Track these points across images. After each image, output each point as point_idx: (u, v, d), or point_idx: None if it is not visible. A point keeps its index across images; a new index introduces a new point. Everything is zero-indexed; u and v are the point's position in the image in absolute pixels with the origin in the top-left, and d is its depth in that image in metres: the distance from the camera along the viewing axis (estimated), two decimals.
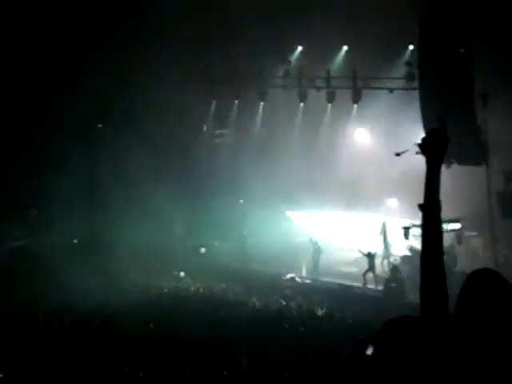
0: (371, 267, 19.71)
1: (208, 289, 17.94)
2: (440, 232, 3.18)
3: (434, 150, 3.23)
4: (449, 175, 11.25)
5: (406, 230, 19.15)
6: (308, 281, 20.57)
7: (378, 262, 20.39)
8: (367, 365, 3.63)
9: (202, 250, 21.91)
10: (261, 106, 23.97)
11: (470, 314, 3.05)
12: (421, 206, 3.27)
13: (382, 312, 12.84)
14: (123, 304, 13.74)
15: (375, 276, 19.61)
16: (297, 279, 20.40)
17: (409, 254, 19.48)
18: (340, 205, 22.90)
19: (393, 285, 18.21)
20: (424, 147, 3.26)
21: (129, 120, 20.06)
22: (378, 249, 20.86)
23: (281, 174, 22.44)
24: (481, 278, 3.10)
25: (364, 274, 19.65)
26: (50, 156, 18.16)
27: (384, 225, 21.78)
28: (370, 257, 19.69)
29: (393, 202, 22.65)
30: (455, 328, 3.05)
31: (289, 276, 20.35)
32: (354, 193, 22.64)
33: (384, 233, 21.74)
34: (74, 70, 18.34)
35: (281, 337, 11.69)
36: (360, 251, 20.10)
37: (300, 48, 22.91)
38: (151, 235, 18.63)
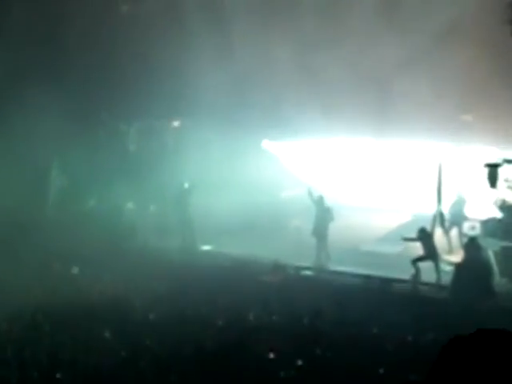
0: (429, 251, 15.44)
1: (122, 295, 14.26)
2: None
3: None
4: None
5: (493, 169, 15.37)
6: (307, 272, 16.49)
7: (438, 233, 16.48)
8: None
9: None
10: None
11: None
12: None
13: (449, 329, 9.61)
14: None
15: (437, 264, 15.34)
16: (286, 269, 16.13)
17: (498, 216, 16.14)
18: (365, 126, 18.44)
19: (468, 276, 14.06)
20: None
21: None
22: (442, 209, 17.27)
23: (254, 66, 18.69)
24: None
25: (415, 262, 15.30)
26: None
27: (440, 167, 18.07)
28: (425, 235, 15.42)
29: (466, 121, 18.90)
30: None
31: (271, 264, 16.06)
32: (392, 104, 18.38)
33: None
34: None
35: None
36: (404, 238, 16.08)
37: None
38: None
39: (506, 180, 15.87)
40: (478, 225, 17.01)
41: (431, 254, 15.47)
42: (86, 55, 18.19)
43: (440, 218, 16.97)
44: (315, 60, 18.59)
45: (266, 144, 21.98)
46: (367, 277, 15.86)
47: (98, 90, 18.34)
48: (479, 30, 16.83)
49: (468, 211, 17.86)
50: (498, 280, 14.65)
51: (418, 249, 15.90)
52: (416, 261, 15.24)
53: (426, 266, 15.55)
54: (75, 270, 16.23)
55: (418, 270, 15.29)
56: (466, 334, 2.51)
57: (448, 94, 17.51)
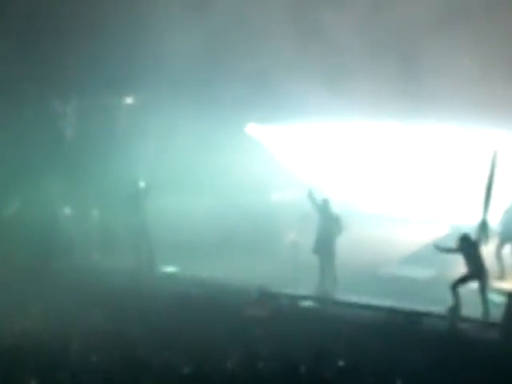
0: (475, 267, 13.10)
1: (53, 334, 11.97)
2: None
3: None
4: None
5: None
6: (307, 303, 14.00)
7: (490, 249, 14.39)
8: None
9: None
10: None
11: None
12: None
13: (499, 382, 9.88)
14: None
15: (484, 291, 13.01)
16: (278, 300, 13.88)
17: None
18: (388, 106, 16.05)
19: None
20: None
21: None
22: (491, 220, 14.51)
23: (235, 24, 16.22)
24: None
25: (455, 286, 13.09)
26: None
27: (494, 158, 14.80)
28: (469, 244, 13.21)
29: None
30: None
31: (257, 293, 13.71)
32: (422, 77, 15.93)
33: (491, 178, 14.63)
34: None
35: None
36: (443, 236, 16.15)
37: None
38: None
39: None
40: None
41: (478, 271, 13.21)
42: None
43: (483, 228, 14.46)
44: (318, 15, 16.76)
45: (252, 128, 19.89)
46: (388, 310, 13.46)
47: (22, 55, 16.44)
48: None
49: None
50: None
51: (458, 272, 13.43)
52: (457, 284, 13.12)
53: (469, 297, 13.13)
54: None
55: (458, 300, 12.98)
56: None
57: (499, 62, 15.59)
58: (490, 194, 14.91)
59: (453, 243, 13.81)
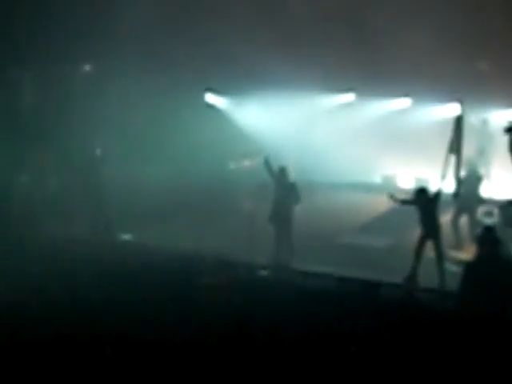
0: (428, 226, 12.75)
1: (11, 304, 11.26)
2: None
3: None
4: None
5: None
6: (264, 272, 13.82)
7: (446, 219, 14.42)
8: None
9: None
10: None
11: None
12: None
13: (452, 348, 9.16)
14: None
15: (440, 256, 12.66)
16: (234, 268, 13.32)
17: None
18: (346, 79, 17.11)
19: (482, 278, 10.30)
20: None
21: None
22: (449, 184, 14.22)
23: None
24: None
25: (417, 254, 12.61)
26: None
27: (459, 120, 14.06)
28: (426, 199, 12.93)
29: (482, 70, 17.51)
30: None
31: (214, 261, 13.27)
32: (380, 50, 16.42)
33: (457, 142, 13.85)
34: None
35: None
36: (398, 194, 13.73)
37: None
38: None
39: None
40: (496, 210, 14.83)
41: (432, 229, 12.96)
42: None
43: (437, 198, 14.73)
44: None
45: (211, 98, 20.12)
46: (345, 279, 13.02)
47: None
48: None
49: (483, 192, 15.67)
50: None
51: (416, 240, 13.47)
52: (417, 253, 12.65)
53: (426, 266, 12.90)
54: None
55: (414, 270, 12.68)
56: None
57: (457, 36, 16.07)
58: (448, 161, 14.56)
59: (412, 215, 13.38)
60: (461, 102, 15.36)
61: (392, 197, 13.78)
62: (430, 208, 13.16)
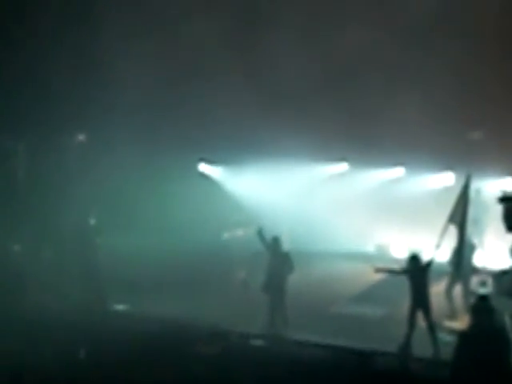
0: (418, 295, 12.96)
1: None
2: None
3: None
4: None
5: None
6: (257, 342, 13.78)
7: (440, 288, 14.71)
8: None
9: None
10: None
11: None
12: None
13: None
14: None
15: (431, 325, 12.78)
16: (228, 338, 13.66)
17: None
18: (340, 150, 17.83)
19: (476, 349, 10.30)
20: None
21: None
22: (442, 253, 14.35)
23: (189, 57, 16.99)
24: None
25: (410, 323, 12.66)
26: None
27: (465, 190, 13.92)
28: (417, 267, 12.91)
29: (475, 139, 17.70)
30: None
31: (208, 331, 13.64)
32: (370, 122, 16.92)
33: (462, 212, 13.54)
34: None
35: None
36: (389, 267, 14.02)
37: None
38: None
39: None
40: (490, 279, 14.42)
41: (421, 299, 13.00)
42: None
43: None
44: (262, 57, 16.80)
45: (204, 168, 20.64)
46: (339, 349, 13.20)
47: None
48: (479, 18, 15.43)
49: (477, 261, 15.64)
50: None
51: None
52: (410, 321, 12.70)
53: (420, 336, 12.93)
54: None
55: (408, 339, 12.67)
56: None
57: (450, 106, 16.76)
58: (446, 230, 14.58)
59: (406, 283, 13.56)
60: (469, 175, 14.97)
61: (378, 270, 14.02)
62: (421, 277, 13.20)
